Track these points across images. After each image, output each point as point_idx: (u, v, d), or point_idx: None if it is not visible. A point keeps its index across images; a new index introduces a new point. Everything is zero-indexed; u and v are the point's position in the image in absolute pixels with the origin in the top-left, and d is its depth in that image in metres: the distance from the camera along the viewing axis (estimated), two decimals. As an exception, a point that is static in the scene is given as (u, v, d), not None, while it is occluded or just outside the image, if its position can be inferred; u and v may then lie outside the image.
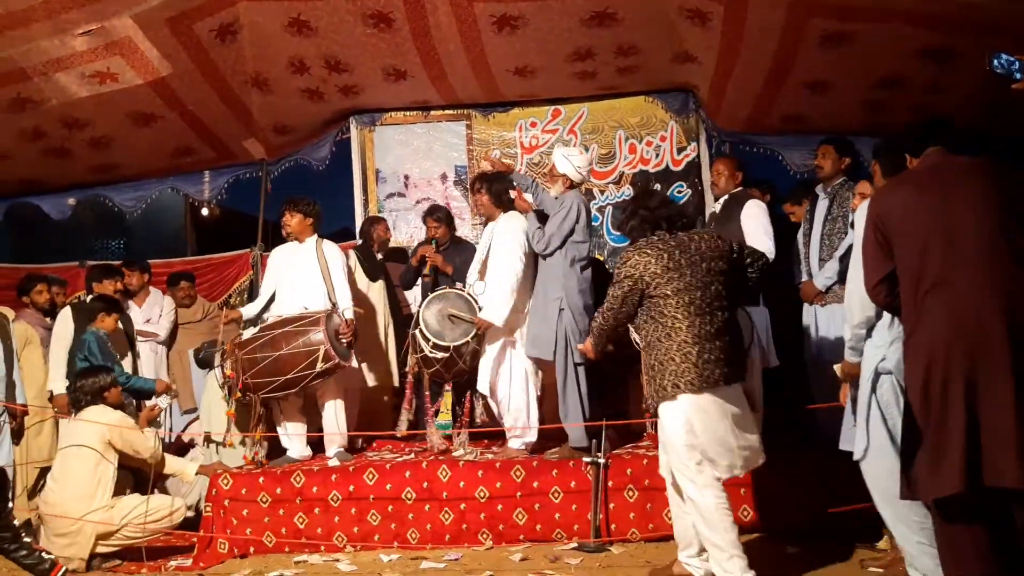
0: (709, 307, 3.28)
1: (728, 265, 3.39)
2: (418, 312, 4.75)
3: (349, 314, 4.95)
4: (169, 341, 6.40)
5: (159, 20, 5.32)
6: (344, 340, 4.82)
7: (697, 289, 3.28)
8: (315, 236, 5.15)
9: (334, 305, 4.96)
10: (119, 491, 4.58)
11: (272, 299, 5.13)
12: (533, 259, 4.76)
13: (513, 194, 4.87)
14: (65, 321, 5.47)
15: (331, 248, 5.16)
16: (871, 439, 3.07)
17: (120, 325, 5.57)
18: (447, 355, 4.63)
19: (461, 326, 4.68)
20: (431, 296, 4.83)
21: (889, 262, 2.72)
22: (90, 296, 5.68)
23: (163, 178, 7.25)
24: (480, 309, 4.68)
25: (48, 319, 5.85)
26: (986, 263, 2.55)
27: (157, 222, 9.80)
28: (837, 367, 3.35)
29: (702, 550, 3.37)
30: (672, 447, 3.30)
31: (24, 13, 4.96)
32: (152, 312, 6.31)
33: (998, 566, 2.56)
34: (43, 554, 3.88)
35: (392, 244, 6.60)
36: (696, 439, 3.23)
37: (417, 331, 4.68)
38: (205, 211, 8.45)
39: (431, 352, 4.64)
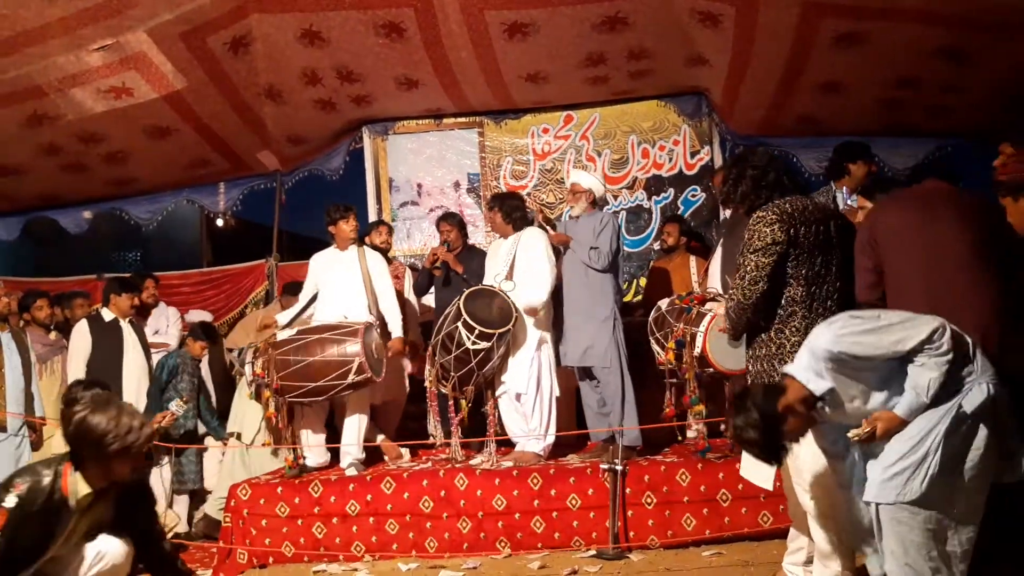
0: (840, 309, 2.88)
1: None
2: (458, 305, 4.66)
3: (398, 332, 4.98)
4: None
5: (173, 34, 5.37)
6: (380, 356, 4.80)
7: (837, 280, 2.96)
8: (356, 244, 5.16)
9: (376, 317, 4.94)
10: None
11: (311, 301, 5.14)
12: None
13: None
14: (82, 335, 5.50)
15: (375, 258, 5.14)
16: (928, 482, 2.43)
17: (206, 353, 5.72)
18: (488, 345, 4.59)
19: (501, 316, 4.67)
20: (467, 292, 4.79)
21: (875, 269, 2.90)
22: (105, 307, 5.68)
23: (178, 190, 7.32)
24: (513, 306, 4.71)
25: (50, 335, 5.86)
26: (967, 281, 2.75)
27: (173, 234, 9.91)
28: (864, 429, 2.50)
29: (809, 560, 3.13)
30: (806, 460, 2.88)
31: (40, 30, 5.02)
32: (159, 323, 6.31)
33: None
34: None
35: (406, 252, 6.59)
36: (835, 448, 2.78)
37: (460, 323, 4.60)
38: (220, 222, 8.49)
39: (473, 344, 4.57)
